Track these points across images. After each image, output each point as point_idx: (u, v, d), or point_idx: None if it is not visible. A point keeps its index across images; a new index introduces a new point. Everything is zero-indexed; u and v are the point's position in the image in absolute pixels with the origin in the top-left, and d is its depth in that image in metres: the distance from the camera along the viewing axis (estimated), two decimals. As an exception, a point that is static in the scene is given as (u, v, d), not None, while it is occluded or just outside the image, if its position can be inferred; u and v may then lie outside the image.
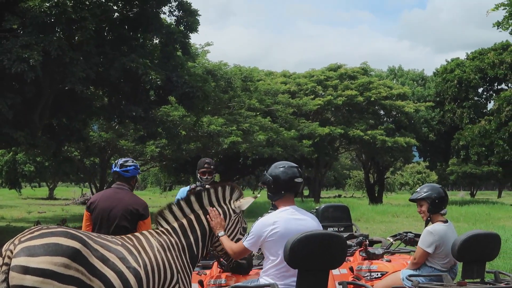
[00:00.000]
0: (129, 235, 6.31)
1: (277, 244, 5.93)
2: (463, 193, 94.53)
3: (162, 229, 6.42)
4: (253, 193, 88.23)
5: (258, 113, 42.66)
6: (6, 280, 5.34)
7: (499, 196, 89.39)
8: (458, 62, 55.02)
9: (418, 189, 8.04)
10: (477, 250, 7.32)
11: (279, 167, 6.24)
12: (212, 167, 8.87)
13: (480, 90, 55.10)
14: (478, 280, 7.42)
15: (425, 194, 7.80)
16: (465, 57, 56.13)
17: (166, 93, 25.89)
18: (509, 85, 53.26)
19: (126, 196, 7.67)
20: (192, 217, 6.52)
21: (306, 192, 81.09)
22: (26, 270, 5.29)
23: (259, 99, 42.44)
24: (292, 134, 44.97)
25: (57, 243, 5.43)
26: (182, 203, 6.53)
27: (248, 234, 6.19)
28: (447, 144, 54.02)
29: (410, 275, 7.45)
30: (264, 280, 6.01)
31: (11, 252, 5.41)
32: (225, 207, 6.71)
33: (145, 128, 26.71)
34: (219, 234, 6.48)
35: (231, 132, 38.50)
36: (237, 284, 6.23)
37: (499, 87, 55.32)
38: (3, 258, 5.41)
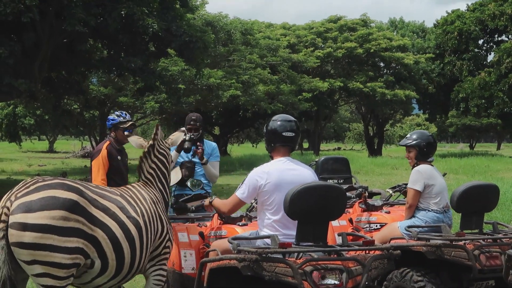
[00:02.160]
0: (123, 187, 6.41)
1: (272, 194, 5.98)
2: (462, 145, 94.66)
3: (145, 181, 6.55)
4: (253, 146, 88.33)
5: (258, 67, 42.47)
6: (5, 237, 5.29)
7: (498, 148, 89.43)
8: (459, 13, 54.62)
9: (408, 135, 8.21)
10: (475, 201, 7.39)
11: (273, 120, 6.33)
12: (198, 124, 8.71)
13: (480, 42, 54.79)
14: (477, 230, 7.50)
15: (414, 142, 7.96)
16: (466, 9, 55.75)
17: (165, 44, 25.72)
18: (510, 36, 52.96)
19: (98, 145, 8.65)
20: (154, 166, 6.64)
21: (305, 145, 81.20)
22: (24, 227, 5.23)
23: (260, 55, 42.26)
24: (292, 87, 45.01)
25: (53, 196, 5.35)
26: (143, 157, 6.64)
27: (240, 186, 6.23)
28: (447, 96, 53.88)
29: (409, 226, 7.52)
30: (263, 232, 6.07)
31: (8, 209, 5.33)
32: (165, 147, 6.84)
33: (144, 80, 26.57)
34: (211, 201, 6.76)
35: (230, 85, 38.43)
36: (237, 235, 6.28)
37: (499, 38, 54.99)
38: (0, 216, 5.33)
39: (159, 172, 6.60)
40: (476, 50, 53.70)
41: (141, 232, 5.92)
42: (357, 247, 5.83)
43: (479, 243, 7.09)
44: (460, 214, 7.53)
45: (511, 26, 49.69)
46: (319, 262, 5.47)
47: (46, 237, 5.24)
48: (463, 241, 7.05)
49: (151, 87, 27.84)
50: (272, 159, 6.28)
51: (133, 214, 5.94)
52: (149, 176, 6.55)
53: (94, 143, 45.55)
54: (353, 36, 53.45)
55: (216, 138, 57.50)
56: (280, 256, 5.45)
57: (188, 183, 7.93)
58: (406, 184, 8.43)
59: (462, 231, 7.26)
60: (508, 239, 7.22)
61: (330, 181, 10.12)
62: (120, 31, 23.43)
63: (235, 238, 5.89)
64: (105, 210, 5.70)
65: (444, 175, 8.29)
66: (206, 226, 7.35)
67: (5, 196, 5.47)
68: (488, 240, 7.22)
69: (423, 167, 7.87)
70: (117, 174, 8.65)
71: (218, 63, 40.04)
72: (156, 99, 38.12)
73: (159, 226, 6.20)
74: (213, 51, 34.78)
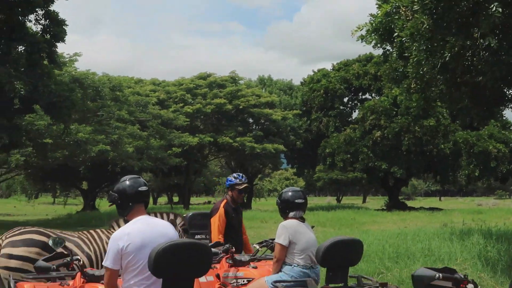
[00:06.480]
0: (86, 231, 9.15)
1: (135, 254, 5.85)
2: (330, 199, 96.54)
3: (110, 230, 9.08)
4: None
5: (127, 124, 42.26)
6: None
7: (364, 201, 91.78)
8: (324, 72, 56.33)
9: None
10: (340, 256, 7.48)
11: (121, 181, 6.27)
12: None
13: (345, 99, 56.61)
14: (341, 284, 7.59)
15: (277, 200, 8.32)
16: (331, 68, 57.54)
17: (32, 102, 25.23)
18: (373, 95, 54.94)
19: None
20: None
21: (176, 199, 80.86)
22: (10, 256, 8.05)
23: (129, 111, 42.10)
24: (162, 142, 44.93)
25: (31, 238, 8.20)
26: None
27: (106, 255, 6.08)
28: (314, 151, 55.09)
29: (275, 281, 7.55)
30: (128, 291, 5.91)
31: (0, 245, 8.06)
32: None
33: (9, 137, 25.86)
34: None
35: (99, 141, 38.01)
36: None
37: (363, 96, 57.02)
38: None
39: None
40: (341, 107, 55.46)
41: (92, 263, 8.61)
42: (223, 304, 5.80)
43: (343, 297, 7.18)
44: (326, 268, 7.61)
45: (374, 85, 51.71)
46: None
47: (25, 265, 8.03)
48: (328, 295, 7.11)
49: (17, 144, 27.16)
50: (128, 221, 6.17)
51: (87, 250, 8.69)
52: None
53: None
54: (222, 93, 54.13)
55: (84, 193, 56.46)
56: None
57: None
58: (273, 239, 8.49)
59: (328, 285, 7.33)
60: (371, 292, 7.34)
61: (197, 236, 10.11)
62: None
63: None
64: (64, 248, 7.79)
65: (312, 227, 8.38)
66: (69, 285, 7.13)
67: None
68: (352, 294, 7.32)
69: (288, 222, 7.98)
70: (232, 230, 9.64)
71: (86, 118, 39.53)
72: (22, 153, 37.18)
73: None
74: (81, 106, 34.35)
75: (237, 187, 9.72)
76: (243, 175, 9.96)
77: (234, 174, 9.96)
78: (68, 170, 47.56)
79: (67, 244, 8.31)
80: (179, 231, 9.63)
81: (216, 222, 9.55)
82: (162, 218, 9.50)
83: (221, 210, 9.60)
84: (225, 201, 9.76)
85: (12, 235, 8.27)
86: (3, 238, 8.25)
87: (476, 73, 14.23)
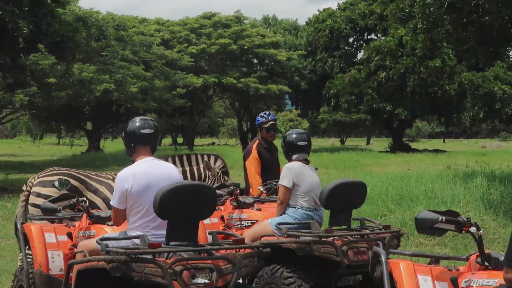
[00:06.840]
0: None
1: (140, 195, 5.89)
2: (334, 140, 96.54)
3: None
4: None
5: (131, 64, 42.13)
6: (26, 200, 8.90)
7: (368, 143, 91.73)
8: (330, 12, 55.83)
9: None
10: (343, 199, 7.51)
11: (130, 122, 6.28)
12: None
13: (350, 40, 56.22)
14: (345, 227, 7.64)
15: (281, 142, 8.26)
16: (337, 8, 57.05)
17: (36, 41, 25.08)
18: (379, 35, 54.57)
19: None
20: None
21: (180, 140, 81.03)
22: (38, 195, 8.85)
23: (133, 51, 41.90)
24: (166, 83, 44.86)
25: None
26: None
27: (113, 194, 6.12)
28: (318, 93, 54.94)
29: (279, 223, 7.60)
30: (132, 232, 5.98)
31: (32, 183, 8.98)
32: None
33: (13, 76, 25.78)
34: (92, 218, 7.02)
35: (103, 80, 37.91)
36: (105, 235, 6.14)
37: (369, 37, 56.65)
38: (27, 187, 8.99)
39: None
40: (346, 48, 55.09)
41: None
42: (227, 246, 5.82)
43: (347, 239, 7.21)
44: (329, 211, 7.66)
45: (380, 25, 51.30)
46: (189, 262, 5.43)
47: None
48: (332, 238, 7.15)
49: (21, 83, 27.07)
50: (134, 162, 6.19)
51: None
52: None
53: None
54: (227, 33, 53.79)
55: (89, 133, 56.58)
56: (149, 256, 5.38)
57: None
58: (277, 181, 8.52)
59: (331, 227, 7.38)
60: (374, 235, 7.39)
61: (203, 178, 10.15)
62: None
63: (103, 239, 5.77)
64: (96, 192, 9.08)
65: (316, 169, 8.39)
66: (75, 226, 7.19)
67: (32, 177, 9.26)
68: (356, 236, 7.36)
69: (292, 164, 7.97)
70: (267, 169, 9.60)
71: (90, 58, 39.35)
72: (26, 93, 37.14)
73: None
74: (85, 46, 34.17)
75: (263, 125, 9.62)
76: (270, 113, 9.84)
77: (261, 113, 9.82)
78: (72, 111, 47.57)
79: (98, 186, 9.12)
80: (218, 173, 9.71)
81: (252, 165, 9.57)
82: (202, 159, 10.15)
83: (254, 152, 9.57)
84: (257, 142, 9.71)
85: (44, 175, 8.99)
86: (36, 177, 9.03)
87: (483, 13, 14.13)
